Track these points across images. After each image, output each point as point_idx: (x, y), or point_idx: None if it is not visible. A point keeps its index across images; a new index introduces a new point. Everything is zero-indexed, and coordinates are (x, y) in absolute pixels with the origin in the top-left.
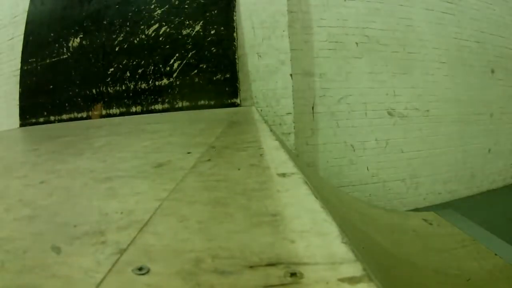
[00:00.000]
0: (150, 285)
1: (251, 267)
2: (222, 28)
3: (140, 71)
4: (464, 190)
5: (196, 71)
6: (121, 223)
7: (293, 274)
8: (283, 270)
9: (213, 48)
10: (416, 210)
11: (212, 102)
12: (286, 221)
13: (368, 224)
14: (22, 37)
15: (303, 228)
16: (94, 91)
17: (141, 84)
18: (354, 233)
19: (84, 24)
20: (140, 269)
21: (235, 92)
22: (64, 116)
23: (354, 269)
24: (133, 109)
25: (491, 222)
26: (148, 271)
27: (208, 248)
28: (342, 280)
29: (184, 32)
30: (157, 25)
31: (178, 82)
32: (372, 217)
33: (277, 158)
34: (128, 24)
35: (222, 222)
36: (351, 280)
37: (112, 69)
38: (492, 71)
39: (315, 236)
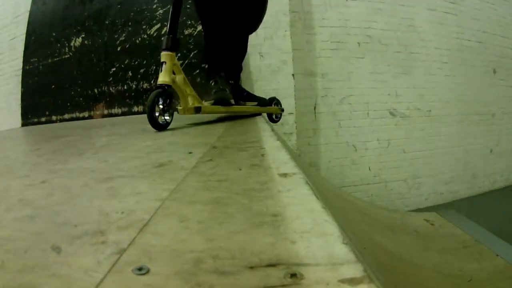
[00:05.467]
0: (150, 285)
1: (251, 267)
2: None
3: (142, 71)
4: (466, 190)
5: (198, 71)
6: (122, 223)
7: (293, 275)
8: (283, 270)
9: None
10: (418, 210)
11: None
12: (287, 221)
13: (369, 224)
14: (24, 37)
15: (304, 229)
16: (96, 90)
17: (143, 83)
18: (356, 234)
19: (86, 24)
20: (140, 269)
21: None
22: (66, 116)
23: (355, 270)
24: (135, 108)
25: (493, 222)
26: (148, 271)
27: (208, 248)
28: (343, 281)
29: (186, 32)
30: (159, 25)
31: None
32: (373, 217)
33: (278, 158)
34: (130, 24)
35: (222, 222)
36: (352, 281)
37: (114, 69)
38: (494, 71)
39: (316, 237)
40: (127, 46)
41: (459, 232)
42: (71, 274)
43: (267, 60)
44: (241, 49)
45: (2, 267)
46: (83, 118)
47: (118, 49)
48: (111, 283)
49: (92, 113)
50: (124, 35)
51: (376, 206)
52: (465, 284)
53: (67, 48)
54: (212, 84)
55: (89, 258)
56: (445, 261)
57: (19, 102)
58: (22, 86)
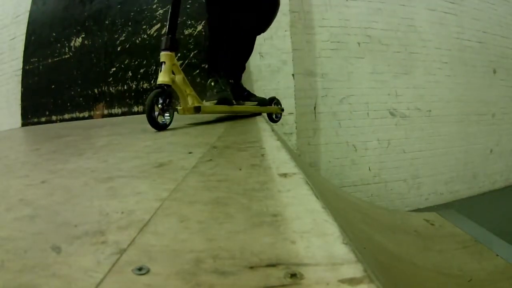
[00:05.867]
0: (150, 285)
1: (251, 267)
2: None
3: (142, 71)
4: (466, 190)
5: (198, 71)
6: (122, 223)
7: (293, 275)
8: (283, 270)
9: None
10: (418, 210)
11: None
12: (287, 221)
13: (369, 224)
14: (24, 37)
15: (304, 229)
16: (96, 90)
17: (143, 83)
18: (356, 234)
19: (86, 24)
20: (140, 269)
21: None
22: (66, 116)
23: (355, 270)
24: (135, 108)
25: (493, 222)
26: (148, 271)
27: (208, 249)
28: (343, 281)
29: (186, 32)
30: (159, 25)
31: None
32: (373, 217)
33: (278, 158)
34: (130, 24)
35: (222, 222)
36: (352, 281)
37: (114, 69)
38: (494, 71)
39: (315, 237)
40: (127, 46)
41: (459, 232)
42: (71, 274)
43: (267, 60)
44: (244, 50)
45: (2, 267)
46: (83, 118)
47: (118, 49)
48: (111, 283)
49: (92, 113)
50: (124, 35)
51: (376, 206)
52: (465, 284)
53: (67, 48)
54: (212, 83)
55: (89, 258)
56: (445, 261)
57: (19, 102)
58: (22, 86)
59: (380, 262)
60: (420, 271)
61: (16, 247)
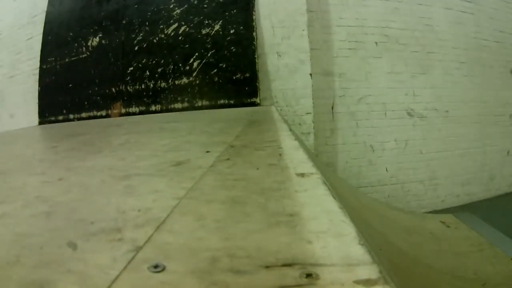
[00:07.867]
0: (165, 282)
1: (267, 267)
2: (241, 27)
3: (159, 70)
4: (483, 192)
5: (215, 70)
6: (138, 220)
7: (308, 275)
8: (299, 270)
9: (232, 48)
10: (434, 212)
11: (232, 101)
12: (304, 221)
13: (385, 225)
14: (41, 36)
15: (320, 229)
16: (113, 89)
17: (160, 83)
18: (372, 235)
19: (103, 24)
20: (156, 266)
21: (254, 92)
22: (84, 114)
23: (370, 271)
24: (153, 107)
25: (509, 225)
26: (163, 269)
27: (224, 247)
28: (358, 282)
29: (204, 32)
30: (176, 24)
31: (197, 81)
32: (390, 218)
33: (296, 158)
34: (147, 23)
35: (239, 222)
36: (367, 282)
37: (132, 68)
38: (511, 71)
39: (332, 237)
40: (145, 45)
41: (475, 235)
42: (87, 270)
43: (284, 59)
44: None
45: (18, 262)
46: (101, 116)
47: (136, 48)
48: (127, 280)
49: (109, 111)
50: (141, 34)
51: (392, 208)
52: (479, 287)
53: (84, 48)
54: None
55: (105, 255)
56: (460, 264)
57: (36, 100)
58: (40, 85)
59: (395, 264)
60: (434, 273)
61: (32, 243)
